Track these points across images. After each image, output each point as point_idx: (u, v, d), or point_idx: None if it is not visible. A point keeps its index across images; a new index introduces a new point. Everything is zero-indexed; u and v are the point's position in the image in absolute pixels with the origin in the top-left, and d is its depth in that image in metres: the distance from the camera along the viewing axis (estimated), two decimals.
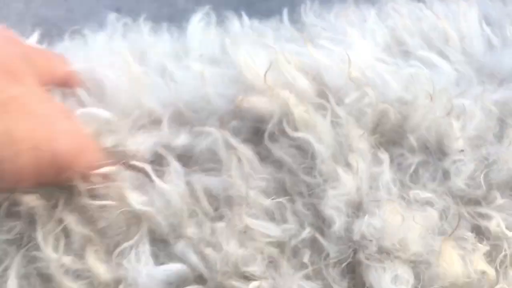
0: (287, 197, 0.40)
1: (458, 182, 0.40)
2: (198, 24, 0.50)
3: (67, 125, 0.40)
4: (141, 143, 0.41)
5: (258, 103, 0.41)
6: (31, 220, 0.40)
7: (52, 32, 0.51)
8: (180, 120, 0.42)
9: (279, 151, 0.40)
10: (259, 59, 0.42)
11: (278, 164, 0.40)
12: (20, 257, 0.39)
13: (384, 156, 0.41)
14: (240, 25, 0.52)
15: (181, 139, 0.41)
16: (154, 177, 0.40)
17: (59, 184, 0.40)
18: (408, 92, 0.42)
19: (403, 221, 0.38)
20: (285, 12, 0.53)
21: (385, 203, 0.38)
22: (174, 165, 0.40)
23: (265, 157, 0.41)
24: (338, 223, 0.38)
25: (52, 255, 0.39)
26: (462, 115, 0.42)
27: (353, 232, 0.38)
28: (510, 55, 0.47)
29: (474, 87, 0.45)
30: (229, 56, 0.44)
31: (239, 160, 0.40)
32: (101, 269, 0.38)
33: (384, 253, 0.38)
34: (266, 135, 0.41)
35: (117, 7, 1.13)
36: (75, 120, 0.41)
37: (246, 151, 0.40)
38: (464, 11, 0.49)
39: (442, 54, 0.47)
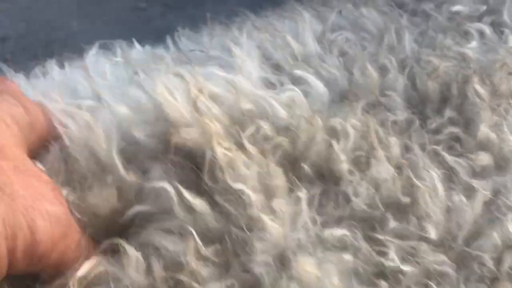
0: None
1: (359, 203, 0.45)
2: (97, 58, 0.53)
3: (49, 208, 0.37)
4: None
5: (189, 136, 0.44)
6: None
7: None
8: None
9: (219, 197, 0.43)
10: (177, 91, 0.45)
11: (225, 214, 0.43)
12: None
13: (302, 193, 0.44)
14: (140, 52, 0.55)
15: None
16: None
17: (32, 272, 0.38)
18: (292, 118, 0.47)
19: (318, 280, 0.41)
20: (168, 39, 0.57)
21: (300, 257, 0.42)
22: None
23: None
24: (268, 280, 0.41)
25: None
26: (340, 136, 0.47)
27: None
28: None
29: (339, 104, 0.50)
30: (145, 91, 0.46)
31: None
32: None
33: None
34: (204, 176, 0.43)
35: (4, 35, 1.05)
36: (59, 201, 0.39)
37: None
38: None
39: (309, 70, 0.52)
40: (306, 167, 0.46)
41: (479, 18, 0.67)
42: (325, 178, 0.46)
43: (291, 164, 0.46)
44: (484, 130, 0.54)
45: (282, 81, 0.52)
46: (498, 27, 0.65)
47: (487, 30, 0.64)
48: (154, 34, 0.67)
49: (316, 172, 0.46)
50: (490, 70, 0.59)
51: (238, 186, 0.42)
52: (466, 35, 0.64)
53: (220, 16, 0.63)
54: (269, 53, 0.55)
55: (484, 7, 0.67)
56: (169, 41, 0.57)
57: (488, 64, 0.60)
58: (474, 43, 0.62)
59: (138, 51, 0.56)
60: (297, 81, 0.52)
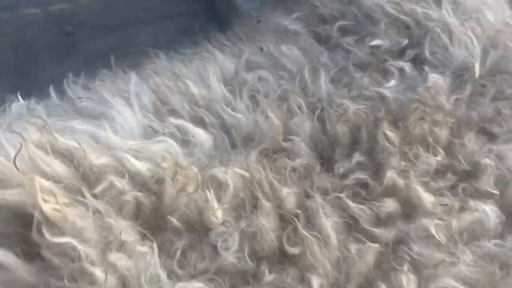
0: None
1: (228, 257, 0.44)
2: None
3: None
4: None
5: (11, 196, 0.42)
6: None
7: None
8: None
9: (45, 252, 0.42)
10: (14, 149, 0.44)
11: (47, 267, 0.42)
12: None
13: (150, 247, 0.43)
14: (18, 107, 0.55)
15: None
16: None
17: None
18: (159, 170, 0.46)
19: None
20: (51, 89, 0.57)
21: None
22: None
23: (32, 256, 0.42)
24: None
25: None
26: (218, 187, 0.47)
27: None
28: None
29: (229, 152, 0.50)
30: None
31: None
32: None
33: None
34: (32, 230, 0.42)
35: None
36: None
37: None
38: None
39: (198, 118, 0.52)
40: (173, 219, 0.45)
41: (401, 53, 0.66)
42: (195, 229, 0.45)
43: (152, 217, 0.45)
44: (390, 176, 0.54)
45: (167, 128, 0.51)
46: (419, 64, 0.65)
47: (408, 67, 0.64)
48: (82, 58, 0.67)
49: (185, 224, 0.45)
50: (405, 112, 0.58)
51: (64, 239, 0.42)
52: (386, 73, 0.63)
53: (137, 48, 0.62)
54: (166, 98, 0.54)
55: (406, 41, 0.67)
56: (52, 90, 0.57)
57: (404, 104, 0.59)
58: (392, 82, 0.62)
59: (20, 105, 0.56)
60: (182, 128, 0.51)
